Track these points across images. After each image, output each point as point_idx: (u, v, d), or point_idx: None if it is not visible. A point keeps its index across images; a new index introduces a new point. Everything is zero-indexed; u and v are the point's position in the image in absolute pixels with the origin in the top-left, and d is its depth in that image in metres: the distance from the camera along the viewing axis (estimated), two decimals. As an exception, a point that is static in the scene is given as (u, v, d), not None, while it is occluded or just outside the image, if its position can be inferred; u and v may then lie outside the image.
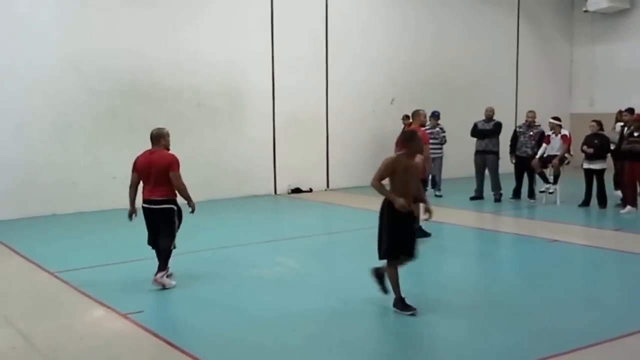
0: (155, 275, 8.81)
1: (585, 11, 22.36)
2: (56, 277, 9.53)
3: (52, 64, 14.79)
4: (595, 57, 23.21)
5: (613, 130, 15.97)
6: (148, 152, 9.14)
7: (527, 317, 7.75)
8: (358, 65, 19.27)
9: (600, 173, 14.90)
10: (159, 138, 9.17)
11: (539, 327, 7.30)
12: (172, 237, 9.01)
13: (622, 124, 15.73)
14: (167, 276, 8.92)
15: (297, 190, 18.31)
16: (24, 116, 14.57)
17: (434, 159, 17.12)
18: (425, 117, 12.60)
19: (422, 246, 11.81)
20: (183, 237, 12.44)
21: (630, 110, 15.56)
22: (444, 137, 17.19)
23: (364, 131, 19.15)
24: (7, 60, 14.34)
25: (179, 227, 9.14)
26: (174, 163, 8.98)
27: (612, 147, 15.08)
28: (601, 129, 15.06)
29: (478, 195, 16.39)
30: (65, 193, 14.85)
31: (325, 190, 18.88)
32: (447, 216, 14.52)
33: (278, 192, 18.19)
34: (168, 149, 9.24)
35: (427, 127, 17.19)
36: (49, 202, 14.57)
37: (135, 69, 15.75)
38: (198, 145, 16.64)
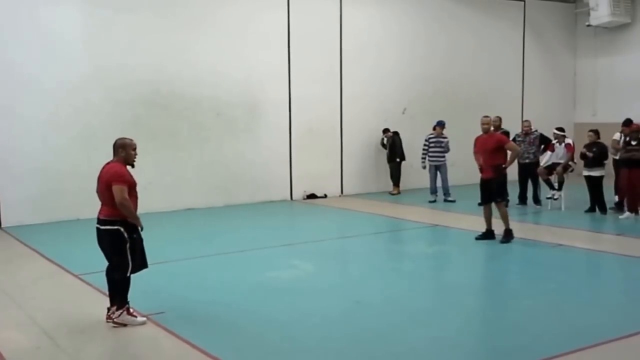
0: (109, 312, 7.47)
1: (588, 25, 22.16)
2: (80, 279, 9.50)
3: (79, 76, 14.81)
4: (598, 69, 23.03)
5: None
6: (105, 164, 7.62)
7: (533, 318, 7.70)
8: (371, 77, 19.20)
9: (598, 180, 14.81)
10: (117, 149, 7.54)
11: (544, 328, 7.25)
12: (123, 265, 7.35)
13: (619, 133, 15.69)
14: (129, 312, 7.46)
15: (312, 196, 18.20)
16: (51, 126, 14.59)
17: (439, 166, 17.16)
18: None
19: (431, 251, 11.80)
20: (203, 241, 12.49)
21: (627, 122, 15.27)
22: (448, 145, 17.18)
23: (376, 140, 19.01)
24: (35, 73, 14.37)
25: (133, 251, 7.39)
26: (116, 175, 7.30)
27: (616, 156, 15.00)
28: (598, 137, 14.97)
29: (485, 202, 16.25)
30: (89, 199, 14.46)
31: (339, 196, 18.76)
32: (456, 221, 14.46)
33: (294, 198, 18.10)
34: (130, 164, 7.58)
35: (432, 136, 17.20)
36: (74, 208, 14.50)
37: (157, 81, 15.73)
38: (217, 153, 16.66)
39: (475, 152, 12.61)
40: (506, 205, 15.14)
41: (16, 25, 14.17)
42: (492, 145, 11.95)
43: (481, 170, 12.23)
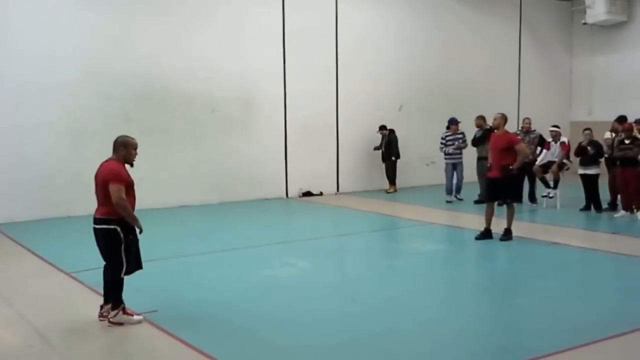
0: (101, 310, 7.41)
1: (585, 23, 22.14)
2: (72, 277, 9.40)
3: (68, 69, 14.62)
4: (594, 67, 23.02)
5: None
6: (103, 162, 7.45)
7: (528, 316, 7.71)
8: (368, 74, 19.09)
9: (594, 178, 14.81)
10: (118, 147, 7.35)
11: (540, 326, 7.24)
12: (118, 266, 7.22)
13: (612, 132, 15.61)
14: (125, 312, 7.31)
15: (308, 194, 18.11)
16: (40, 120, 14.37)
17: (456, 164, 16.86)
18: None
19: (428, 249, 11.72)
20: (197, 239, 12.39)
21: (620, 119, 15.21)
22: (461, 143, 16.97)
23: (372, 137, 18.90)
24: (24, 66, 14.17)
25: (128, 251, 7.27)
26: (113, 173, 7.13)
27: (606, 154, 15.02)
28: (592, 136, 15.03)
29: (482, 199, 16.14)
30: (79, 195, 14.38)
31: (335, 194, 18.68)
32: (452, 219, 14.44)
33: (289, 196, 17.99)
34: (129, 163, 7.45)
35: (449, 134, 16.92)
36: (65, 204, 14.38)
37: (150, 75, 15.59)
38: (211, 150, 16.54)
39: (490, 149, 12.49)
40: (501, 204, 15.14)
41: (3, 18, 14.00)
42: (502, 145, 11.69)
43: (490, 168, 12.07)
